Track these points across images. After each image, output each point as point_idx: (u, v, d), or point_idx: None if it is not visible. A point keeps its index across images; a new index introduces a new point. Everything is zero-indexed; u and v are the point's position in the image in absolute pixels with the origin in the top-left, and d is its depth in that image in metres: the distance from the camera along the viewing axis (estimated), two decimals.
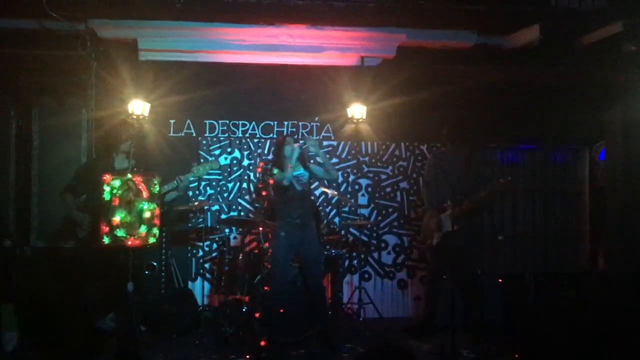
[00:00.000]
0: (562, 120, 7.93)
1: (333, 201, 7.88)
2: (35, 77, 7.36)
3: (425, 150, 7.96)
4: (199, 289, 7.35)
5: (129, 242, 5.35)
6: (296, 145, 6.04)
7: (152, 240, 5.46)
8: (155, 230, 5.48)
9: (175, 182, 6.11)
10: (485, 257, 7.90)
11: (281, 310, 6.08)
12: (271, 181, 6.09)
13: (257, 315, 6.28)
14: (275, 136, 7.78)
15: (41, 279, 6.81)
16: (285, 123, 7.87)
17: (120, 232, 5.33)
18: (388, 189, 7.98)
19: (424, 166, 7.28)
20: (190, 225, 7.66)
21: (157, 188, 5.49)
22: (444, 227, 6.47)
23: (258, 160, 7.72)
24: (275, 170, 6.10)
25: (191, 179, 6.45)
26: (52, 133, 7.45)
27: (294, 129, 7.87)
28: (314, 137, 7.84)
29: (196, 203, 6.95)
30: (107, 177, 5.33)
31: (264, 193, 6.58)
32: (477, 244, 7.33)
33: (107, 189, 5.32)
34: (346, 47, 7.61)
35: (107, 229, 5.30)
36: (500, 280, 6.90)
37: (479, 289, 6.59)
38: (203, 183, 7.69)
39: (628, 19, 7.10)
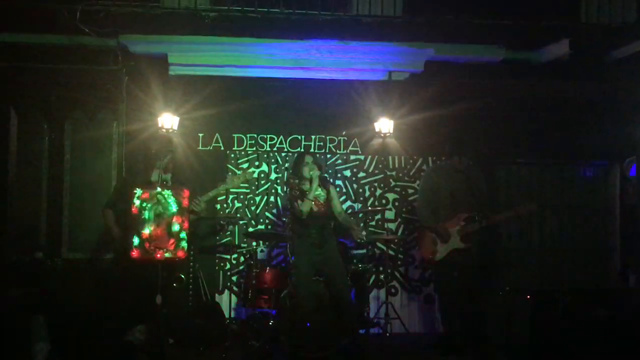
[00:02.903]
0: (592, 135, 7.85)
1: (359, 216, 7.88)
2: (67, 92, 7.47)
3: None
4: (226, 302, 7.39)
5: (158, 255, 5.39)
6: (316, 171, 6.05)
7: (180, 253, 5.50)
8: (184, 244, 5.52)
9: (211, 193, 6.08)
10: (512, 273, 7.87)
11: (307, 325, 6.08)
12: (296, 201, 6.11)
13: (284, 329, 6.29)
14: (302, 150, 7.81)
15: (71, 291, 6.90)
16: (313, 137, 7.90)
17: (149, 246, 5.37)
18: (415, 203, 7.94)
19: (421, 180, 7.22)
20: (217, 238, 7.69)
21: (184, 201, 5.52)
22: (451, 243, 6.42)
23: (286, 174, 7.75)
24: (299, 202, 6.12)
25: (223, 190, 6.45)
26: (83, 146, 7.54)
27: (322, 143, 7.89)
28: (341, 151, 7.88)
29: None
30: (137, 190, 5.39)
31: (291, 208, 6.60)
32: (494, 264, 7.33)
33: (136, 202, 5.37)
34: (374, 61, 7.63)
35: (136, 242, 5.35)
36: (528, 297, 6.83)
37: (492, 305, 6.50)
38: (231, 196, 7.74)
39: None
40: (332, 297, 6.14)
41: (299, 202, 6.04)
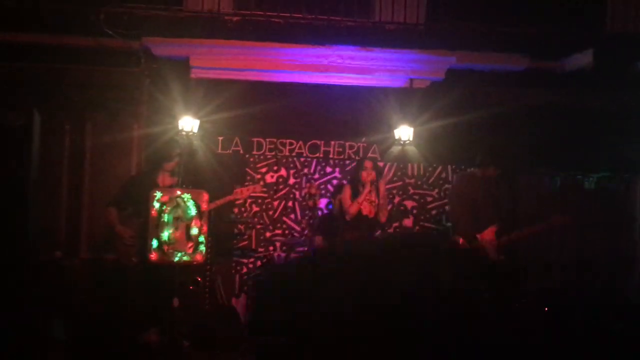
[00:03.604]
0: (615, 146, 7.76)
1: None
2: (89, 93, 7.52)
3: None
4: (243, 305, 7.37)
5: (176, 259, 5.41)
6: (372, 174, 6.06)
7: (198, 256, 5.52)
8: (202, 247, 5.55)
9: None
10: (531, 285, 7.79)
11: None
12: (318, 202, 6.12)
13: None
14: (321, 155, 7.81)
15: (88, 291, 6.93)
16: (332, 143, 7.88)
17: (167, 248, 5.39)
18: (434, 212, 7.91)
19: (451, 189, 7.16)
20: (235, 242, 7.70)
21: (203, 205, 5.55)
22: (488, 255, 6.22)
23: (304, 179, 7.74)
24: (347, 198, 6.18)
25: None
26: (104, 147, 7.57)
27: (341, 149, 7.88)
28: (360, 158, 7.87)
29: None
30: (157, 193, 5.41)
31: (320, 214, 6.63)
32: (519, 272, 7.24)
33: (156, 205, 5.40)
34: (395, 69, 7.62)
35: (155, 244, 5.37)
36: (546, 310, 6.77)
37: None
38: (249, 200, 7.73)
39: None
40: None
41: (346, 203, 6.11)
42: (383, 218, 6.34)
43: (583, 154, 7.88)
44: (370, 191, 6.10)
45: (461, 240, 6.39)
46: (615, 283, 8.00)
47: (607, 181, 8.07)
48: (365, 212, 6.12)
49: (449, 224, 7.62)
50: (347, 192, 6.22)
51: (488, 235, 6.22)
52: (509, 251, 6.27)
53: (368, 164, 6.23)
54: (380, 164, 7.53)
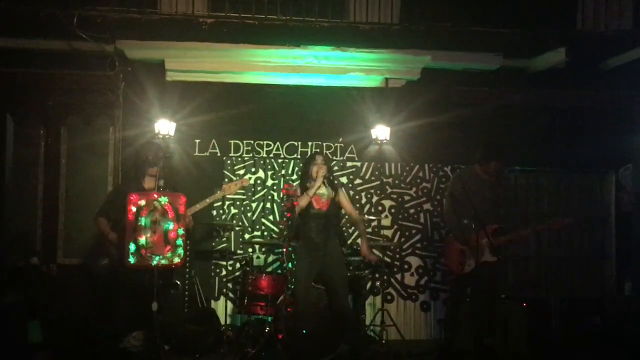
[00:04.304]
0: (588, 143, 7.86)
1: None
2: (63, 97, 7.48)
3: (449, 171, 7.91)
4: (222, 308, 7.36)
5: (155, 263, 5.38)
6: (323, 169, 6.06)
7: (176, 260, 5.48)
8: (180, 250, 5.51)
9: (207, 200, 6.09)
10: (509, 281, 7.87)
11: (304, 331, 6.07)
12: (295, 203, 6.10)
13: (280, 336, 6.28)
14: (299, 156, 7.82)
15: (67, 297, 6.89)
16: (309, 143, 7.89)
17: (145, 252, 5.36)
18: (411, 210, 7.95)
19: (447, 187, 7.08)
20: (213, 244, 7.68)
21: (181, 208, 5.52)
22: (484, 255, 6.10)
23: (282, 180, 7.75)
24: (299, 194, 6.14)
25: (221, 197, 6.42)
26: (79, 152, 7.54)
27: (318, 150, 7.89)
28: (337, 158, 7.88)
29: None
30: (133, 197, 5.37)
31: (288, 215, 6.60)
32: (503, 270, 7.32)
33: (133, 209, 5.36)
34: (370, 68, 7.65)
35: (133, 248, 5.33)
36: (524, 305, 6.85)
37: (495, 314, 6.45)
38: (227, 202, 7.73)
39: None
40: (331, 301, 6.12)
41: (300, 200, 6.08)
42: (349, 207, 6.35)
43: (557, 151, 7.97)
44: (320, 186, 6.09)
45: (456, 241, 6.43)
46: (591, 277, 8.10)
47: (581, 178, 8.16)
48: (317, 206, 6.10)
49: (441, 224, 7.71)
50: (290, 196, 6.20)
51: (487, 235, 5.84)
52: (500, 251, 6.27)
53: (319, 158, 6.21)
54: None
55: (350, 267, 7.09)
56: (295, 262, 6.29)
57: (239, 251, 7.65)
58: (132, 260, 5.34)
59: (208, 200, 6.05)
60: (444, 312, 7.45)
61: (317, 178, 6.05)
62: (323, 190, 6.13)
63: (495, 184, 6.40)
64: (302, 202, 6.02)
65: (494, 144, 6.56)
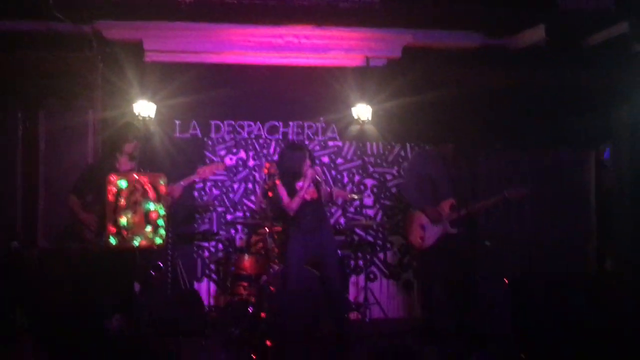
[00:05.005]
0: (569, 121, 7.89)
1: (339, 202, 7.86)
2: (41, 79, 7.36)
3: None
4: (205, 289, 7.36)
5: (135, 243, 5.34)
6: (312, 170, 6.04)
7: (158, 241, 5.45)
8: (162, 231, 5.48)
9: (182, 182, 6.06)
10: (490, 259, 7.91)
11: (291, 311, 6.08)
12: (277, 181, 6.07)
13: (263, 315, 6.28)
14: (280, 137, 7.79)
15: (48, 280, 6.82)
16: (291, 123, 7.88)
17: (126, 233, 5.32)
18: (393, 189, 7.97)
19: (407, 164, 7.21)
20: (196, 226, 7.65)
21: (161, 188, 5.48)
22: (441, 228, 6.41)
23: (264, 160, 7.72)
24: (282, 192, 6.10)
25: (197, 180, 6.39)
26: (58, 134, 7.44)
27: (299, 130, 7.87)
28: (319, 138, 7.86)
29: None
30: (113, 177, 5.32)
31: (270, 194, 6.59)
32: (477, 247, 7.34)
33: (113, 189, 5.31)
34: (351, 47, 7.61)
35: (113, 229, 5.29)
36: (506, 281, 6.88)
37: (474, 293, 6.53)
38: (209, 184, 7.69)
39: (634, 19, 7.08)
40: (324, 283, 6.15)
41: (284, 199, 6.05)
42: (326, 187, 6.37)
43: (538, 129, 7.98)
44: (309, 185, 6.07)
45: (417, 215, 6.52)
46: (572, 254, 8.16)
47: (562, 156, 8.20)
48: (307, 197, 6.11)
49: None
50: (282, 189, 6.11)
51: (443, 209, 6.42)
52: (466, 225, 6.36)
53: (308, 154, 6.20)
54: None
55: None
56: (288, 244, 6.28)
57: (221, 232, 7.63)
58: (113, 241, 5.31)
59: (182, 183, 6.00)
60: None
61: (307, 178, 6.02)
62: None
63: (452, 162, 6.51)
64: (294, 204, 6.01)
65: (450, 126, 6.80)
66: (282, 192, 6.09)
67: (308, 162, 6.13)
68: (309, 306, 6.17)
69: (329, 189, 6.37)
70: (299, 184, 6.08)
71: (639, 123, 7.80)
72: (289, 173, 6.15)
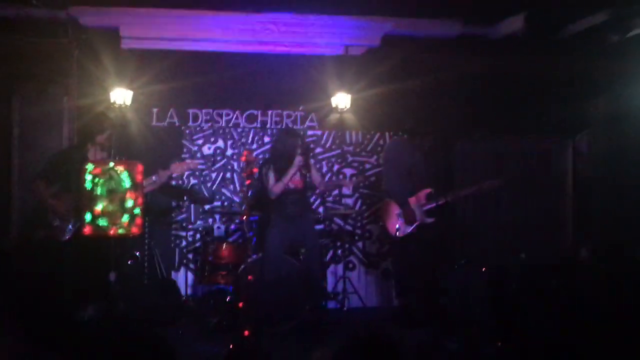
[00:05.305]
0: (547, 110, 7.92)
1: (317, 192, 7.83)
2: (15, 65, 7.21)
3: None
4: (183, 279, 7.31)
5: (112, 232, 5.28)
6: (300, 157, 5.99)
7: (134, 229, 5.40)
8: (138, 220, 5.43)
9: (154, 178, 5.98)
10: (468, 247, 7.94)
11: (269, 300, 6.07)
12: (255, 170, 6.02)
13: (240, 305, 6.24)
14: (259, 125, 7.74)
15: (23, 270, 6.73)
16: (270, 112, 7.82)
17: (102, 222, 5.25)
18: (372, 178, 7.95)
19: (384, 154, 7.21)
20: (173, 215, 7.58)
21: (138, 177, 5.42)
22: (417, 218, 6.45)
23: (242, 149, 7.67)
24: (271, 174, 6.05)
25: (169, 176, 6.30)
26: (32, 122, 7.29)
27: (278, 118, 7.82)
28: (298, 127, 7.82)
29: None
30: (89, 165, 5.25)
31: (247, 182, 6.54)
32: (452, 235, 7.41)
33: (88, 177, 5.24)
34: (331, 35, 7.58)
35: (89, 218, 5.22)
36: (483, 270, 6.92)
37: (451, 280, 6.58)
38: (186, 173, 7.61)
39: (611, 9, 7.12)
40: (304, 270, 6.14)
41: (270, 181, 6.02)
42: (318, 177, 6.36)
43: (517, 118, 8.00)
44: (295, 172, 6.06)
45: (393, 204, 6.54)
46: (549, 243, 8.22)
47: (540, 145, 8.23)
48: (292, 185, 6.10)
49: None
50: (271, 172, 6.15)
51: (420, 198, 6.49)
52: (443, 213, 6.41)
53: (299, 143, 6.17)
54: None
55: None
56: (267, 232, 6.25)
57: (199, 221, 7.57)
58: (89, 230, 5.25)
59: (154, 179, 5.92)
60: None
61: (294, 165, 5.99)
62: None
63: (429, 151, 6.58)
64: (277, 189, 5.98)
65: (421, 116, 6.87)
66: (271, 175, 6.06)
67: (299, 149, 6.10)
68: (286, 294, 6.16)
69: (319, 177, 6.39)
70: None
71: (615, 113, 7.86)
72: (280, 157, 6.13)
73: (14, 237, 7.22)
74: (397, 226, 6.48)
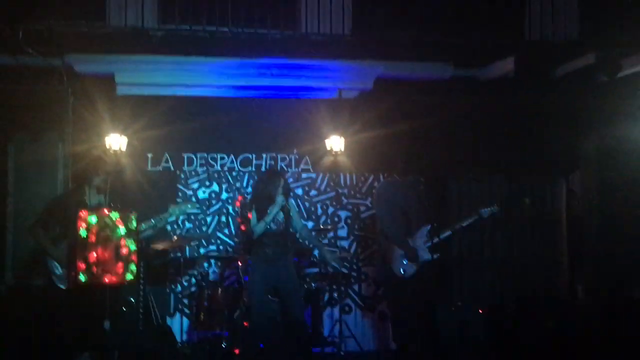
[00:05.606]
0: (539, 149, 7.99)
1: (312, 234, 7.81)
2: (10, 113, 7.25)
3: None
4: (178, 325, 7.26)
5: (106, 280, 5.26)
6: (282, 197, 6.00)
7: (129, 277, 5.40)
8: (133, 267, 5.42)
9: (153, 221, 5.99)
10: (464, 285, 7.93)
11: (260, 345, 6.02)
12: (249, 215, 6.04)
13: (236, 351, 6.21)
14: (253, 169, 7.77)
15: (17, 318, 6.68)
16: (264, 155, 7.85)
17: (96, 269, 5.24)
18: (367, 221, 7.96)
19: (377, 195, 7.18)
20: (168, 260, 7.56)
21: (134, 224, 5.44)
22: (420, 257, 6.34)
23: (237, 193, 7.69)
24: (254, 214, 6.04)
25: (169, 219, 6.32)
26: (28, 169, 7.31)
27: (272, 162, 7.85)
28: (292, 169, 7.85)
29: (175, 238, 6.91)
30: (83, 213, 5.26)
31: (242, 228, 6.55)
32: (449, 274, 7.40)
33: (83, 225, 5.24)
34: (323, 79, 7.68)
35: (83, 266, 5.20)
36: (480, 311, 6.90)
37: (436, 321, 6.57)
38: (181, 217, 7.61)
39: (600, 51, 7.24)
40: (284, 315, 6.07)
41: (252, 220, 6.00)
42: (299, 223, 6.35)
43: (508, 158, 8.07)
44: (277, 212, 6.04)
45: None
46: (544, 281, 8.21)
47: (532, 183, 8.27)
48: (273, 225, 6.07)
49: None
50: (244, 208, 6.16)
51: (420, 237, 6.39)
52: (443, 249, 6.40)
53: (283, 182, 6.16)
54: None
55: (307, 279, 7.06)
56: (250, 276, 6.23)
57: (194, 266, 7.54)
58: (83, 278, 5.22)
59: (153, 222, 5.93)
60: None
61: (276, 205, 5.97)
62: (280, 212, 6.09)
63: (420, 191, 6.49)
64: (258, 229, 5.94)
65: (413, 156, 6.77)
66: (253, 214, 6.04)
67: (280, 189, 6.07)
68: (275, 338, 6.10)
69: (300, 223, 6.37)
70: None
71: (606, 150, 7.93)
72: (261, 197, 6.11)
73: (9, 282, 7.17)
74: (402, 267, 6.38)
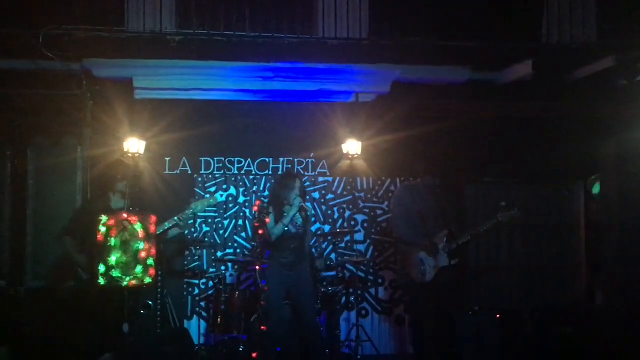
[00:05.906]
0: (557, 154, 7.93)
1: (329, 238, 7.83)
2: (30, 117, 7.35)
3: None
4: (195, 328, 7.28)
5: (125, 283, 5.30)
6: (299, 199, 6.02)
7: (148, 280, 5.42)
8: (151, 270, 5.45)
9: (176, 218, 6.01)
10: (482, 291, 7.89)
11: (277, 349, 6.04)
12: (267, 220, 6.06)
13: (254, 355, 6.22)
14: (270, 172, 7.79)
15: (36, 321, 6.73)
16: (281, 159, 7.87)
17: (116, 273, 5.28)
18: (384, 225, 7.95)
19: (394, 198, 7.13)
20: (186, 263, 7.60)
21: (153, 227, 5.46)
22: (440, 262, 6.27)
23: (254, 197, 7.71)
24: (271, 217, 6.07)
25: (190, 214, 6.35)
26: (47, 172, 7.38)
27: (290, 165, 7.87)
28: (309, 173, 7.86)
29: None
30: (102, 217, 5.30)
31: (260, 232, 6.55)
32: (467, 279, 7.35)
33: (102, 229, 5.28)
34: (341, 83, 7.68)
35: (103, 269, 5.25)
36: (498, 316, 6.86)
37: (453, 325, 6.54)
38: (199, 220, 7.65)
39: (619, 54, 7.18)
40: (299, 320, 6.09)
41: (270, 223, 6.02)
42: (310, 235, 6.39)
43: (526, 162, 8.04)
44: (295, 214, 6.06)
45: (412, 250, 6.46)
46: (562, 287, 8.15)
47: (550, 188, 8.23)
48: (292, 229, 6.09)
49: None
50: (261, 212, 6.18)
51: (438, 242, 6.30)
52: (461, 254, 6.35)
53: (298, 183, 6.15)
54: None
55: (324, 283, 7.06)
56: (267, 281, 6.25)
57: (211, 270, 7.58)
58: (102, 281, 5.27)
59: (176, 219, 5.96)
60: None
61: (293, 207, 6.00)
62: (297, 215, 6.10)
63: (438, 195, 6.42)
64: (277, 230, 5.98)
65: (431, 158, 6.73)
66: (271, 217, 6.07)
67: (297, 192, 6.10)
68: (292, 342, 6.11)
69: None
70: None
71: (625, 155, 7.85)
72: (279, 199, 6.14)
73: (28, 287, 7.23)
74: (422, 271, 6.30)
